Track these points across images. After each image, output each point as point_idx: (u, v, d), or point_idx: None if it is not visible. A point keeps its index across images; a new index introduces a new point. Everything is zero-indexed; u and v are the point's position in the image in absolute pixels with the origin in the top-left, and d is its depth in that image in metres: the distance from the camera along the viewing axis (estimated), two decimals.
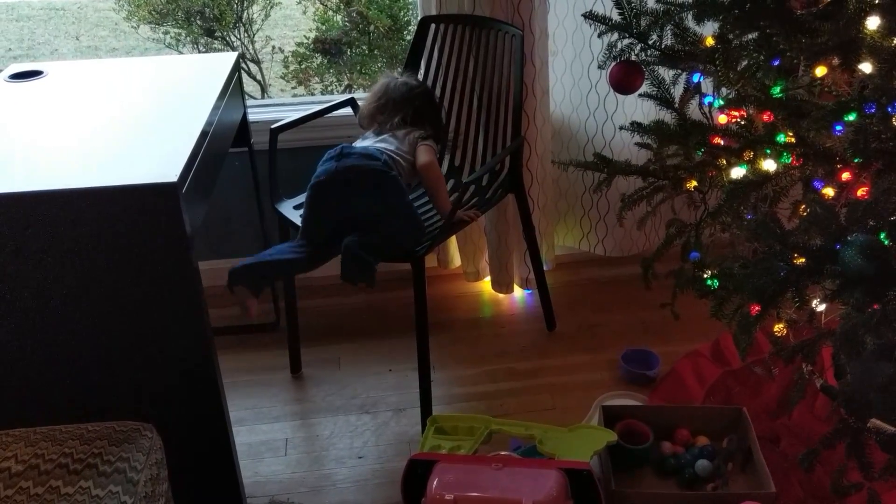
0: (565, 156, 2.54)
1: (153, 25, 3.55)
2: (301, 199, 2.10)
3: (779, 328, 1.60)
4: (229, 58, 2.06)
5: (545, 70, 2.34)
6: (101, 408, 1.53)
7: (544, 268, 2.41)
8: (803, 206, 1.56)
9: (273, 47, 3.73)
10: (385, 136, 2.04)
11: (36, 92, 1.88)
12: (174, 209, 1.37)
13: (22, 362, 1.48)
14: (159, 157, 1.47)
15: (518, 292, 2.60)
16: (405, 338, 2.32)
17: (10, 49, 4.24)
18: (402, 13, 3.54)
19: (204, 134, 1.59)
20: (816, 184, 1.53)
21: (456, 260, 2.66)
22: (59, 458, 1.21)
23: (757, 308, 1.48)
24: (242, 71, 2.44)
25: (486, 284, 2.64)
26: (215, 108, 1.74)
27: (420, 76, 2.30)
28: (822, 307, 1.61)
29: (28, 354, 1.47)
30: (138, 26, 3.63)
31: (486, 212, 2.17)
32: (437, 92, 2.29)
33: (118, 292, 1.44)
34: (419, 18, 2.27)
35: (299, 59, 3.54)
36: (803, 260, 1.42)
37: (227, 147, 1.95)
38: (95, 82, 1.95)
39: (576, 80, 2.44)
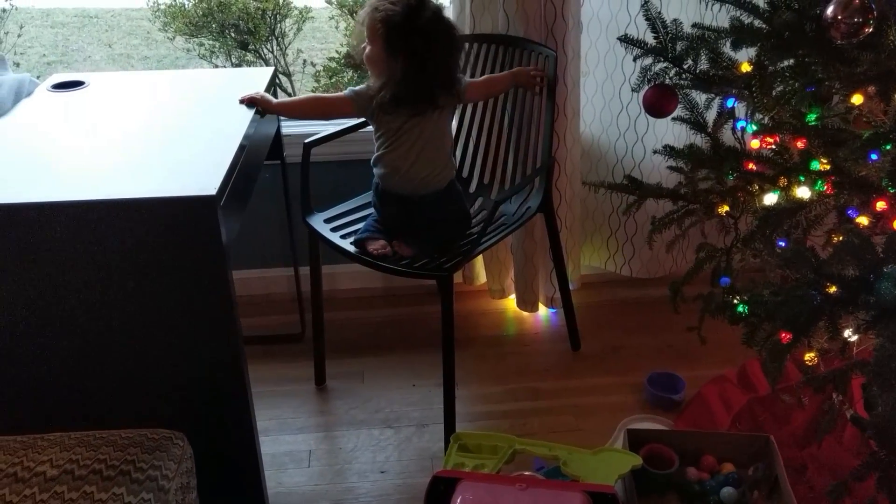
0: (594, 176, 2.55)
1: (188, 37, 3.60)
2: (332, 212, 2.12)
3: (810, 357, 1.58)
4: (266, 72, 2.10)
5: (576, 91, 2.35)
6: (131, 414, 1.55)
7: (570, 287, 2.41)
8: (837, 235, 1.55)
9: (304, 61, 3.77)
10: (424, 140, 1.92)
11: (78, 102, 1.91)
12: (212, 221, 1.39)
13: (58, 368, 1.51)
14: (198, 170, 1.49)
15: (543, 311, 2.60)
16: (429, 353, 2.33)
17: (44, 55, 4.31)
18: None
19: (242, 147, 1.62)
20: (851, 212, 1.52)
21: (481, 277, 2.67)
22: (94, 464, 1.22)
23: (788, 336, 1.48)
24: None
25: (510, 302, 2.64)
26: (253, 121, 1.77)
27: None
28: (854, 337, 1.59)
29: (64, 360, 1.50)
30: (174, 37, 3.69)
31: (515, 231, 2.18)
32: (468, 111, 2.30)
33: (154, 301, 1.46)
34: None
35: (330, 73, 3.57)
36: (836, 289, 1.41)
37: (262, 160, 1.97)
38: (135, 94, 1.98)
39: (607, 101, 2.45)
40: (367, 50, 1.87)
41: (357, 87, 1.91)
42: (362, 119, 2.08)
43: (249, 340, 2.37)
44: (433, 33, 1.81)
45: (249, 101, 1.84)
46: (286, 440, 2.10)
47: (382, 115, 1.90)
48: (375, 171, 2.00)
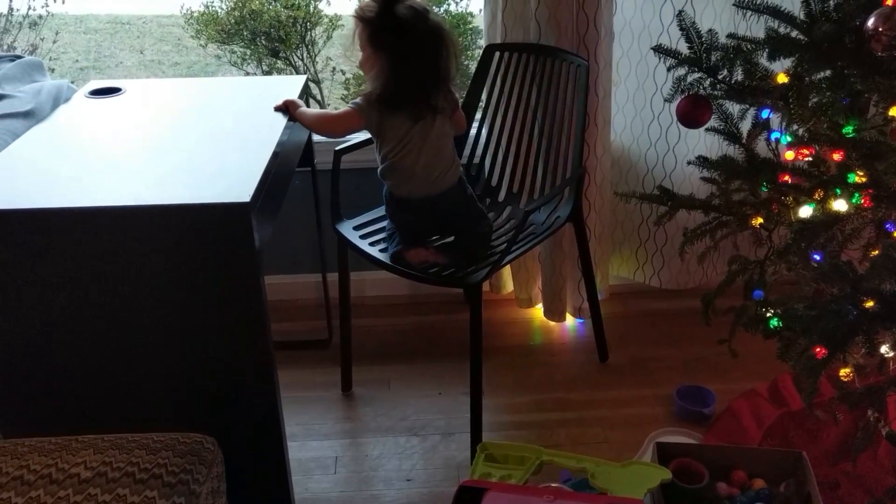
0: (623, 186, 2.54)
1: (219, 44, 3.64)
2: (361, 220, 2.13)
3: (845, 373, 1.56)
4: (298, 80, 2.11)
5: (608, 100, 2.34)
6: (162, 418, 1.56)
7: (598, 297, 2.40)
8: (874, 250, 1.52)
9: (333, 69, 3.80)
10: (430, 143, 1.92)
11: (115, 108, 1.94)
12: (246, 227, 1.40)
13: (91, 371, 1.52)
14: (233, 176, 1.50)
15: (570, 321, 2.59)
16: (455, 361, 2.32)
17: (77, 61, 4.37)
18: (461, 38, 3.58)
19: (276, 154, 1.63)
20: (889, 226, 1.50)
21: (508, 285, 2.66)
22: (127, 467, 1.23)
23: (823, 351, 1.46)
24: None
25: (537, 311, 2.63)
26: (286, 128, 1.78)
27: (482, 103, 2.31)
28: (891, 353, 1.57)
29: (97, 363, 1.52)
30: (206, 44, 3.73)
31: (544, 241, 2.17)
32: (499, 120, 2.30)
33: (186, 305, 1.47)
34: (484, 46, 2.29)
35: (359, 81, 3.60)
36: (873, 304, 1.39)
37: (293, 167, 1.99)
38: (171, 101, 2.00)
39: (638, 110, 2.44)
40: (360, 56, 1.91)
41: (356, 100, 1.91)
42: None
43: (277, 346, 2.37)
44: (414, 27, 1.82)
45: (283, 108, 1.87)
46: (312, 446, 2.10)
47: (385, 122, 1.91)
48: (387, 182, 1.99)
